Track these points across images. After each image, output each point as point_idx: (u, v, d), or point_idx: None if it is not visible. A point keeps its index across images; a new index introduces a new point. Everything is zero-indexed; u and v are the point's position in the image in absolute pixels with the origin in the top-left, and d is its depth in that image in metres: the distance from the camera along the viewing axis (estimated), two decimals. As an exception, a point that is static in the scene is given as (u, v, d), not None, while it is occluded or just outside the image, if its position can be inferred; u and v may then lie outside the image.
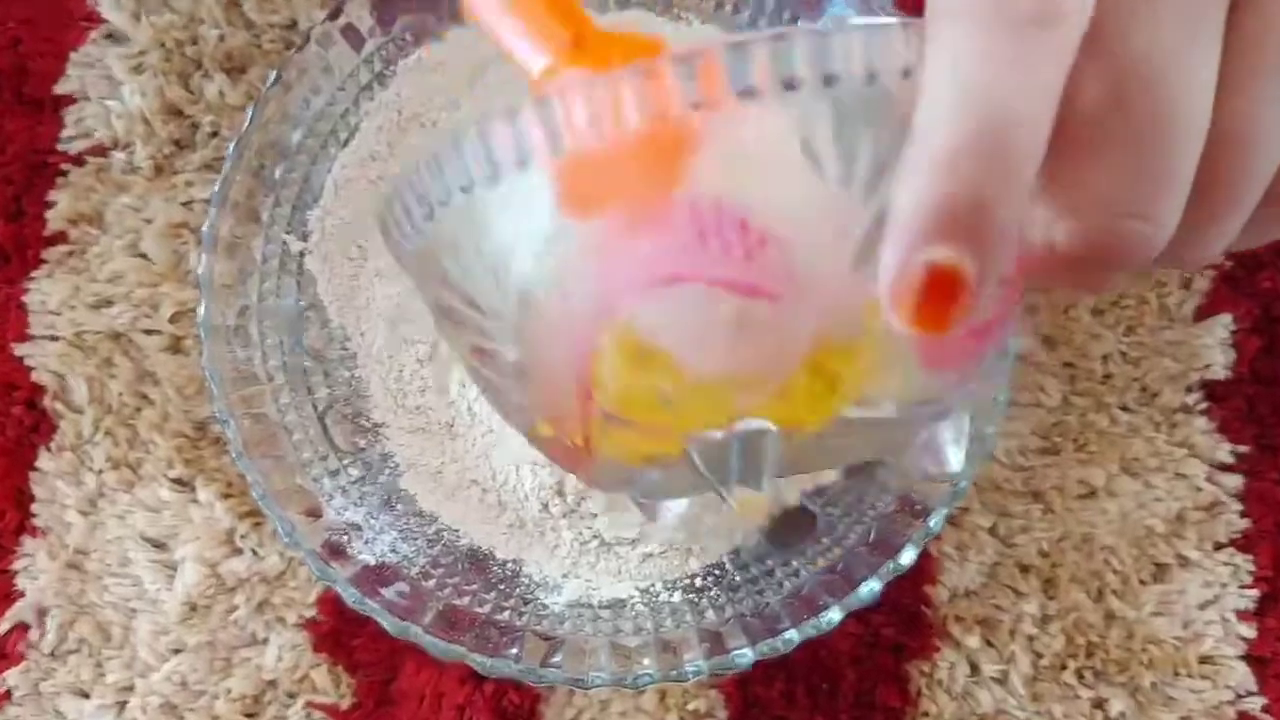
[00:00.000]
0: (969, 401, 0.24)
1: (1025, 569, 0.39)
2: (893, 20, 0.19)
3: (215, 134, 0.42)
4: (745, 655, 0.33)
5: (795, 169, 0.18)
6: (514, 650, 0.33)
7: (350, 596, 0.33)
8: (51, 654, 0.38)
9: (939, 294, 0.17)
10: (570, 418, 0.22)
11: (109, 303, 0.41)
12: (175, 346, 0.41)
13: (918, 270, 0.17)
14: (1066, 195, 0.18)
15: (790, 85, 0.18)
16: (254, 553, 0.39)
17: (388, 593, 0.34)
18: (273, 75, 0.36)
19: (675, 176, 0.19)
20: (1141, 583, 0.39)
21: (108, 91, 0.42)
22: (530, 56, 0.25)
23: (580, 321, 0.20)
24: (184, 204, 0.41)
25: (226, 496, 0.39)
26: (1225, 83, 0.18)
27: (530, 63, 0.25)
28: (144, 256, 0.41)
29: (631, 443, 0.22)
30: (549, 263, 0.20)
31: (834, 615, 0.33)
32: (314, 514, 0.35)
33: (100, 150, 0.42)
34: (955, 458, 0.25)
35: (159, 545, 0.39)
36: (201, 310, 0.35)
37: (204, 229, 0.36)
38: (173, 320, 0.41)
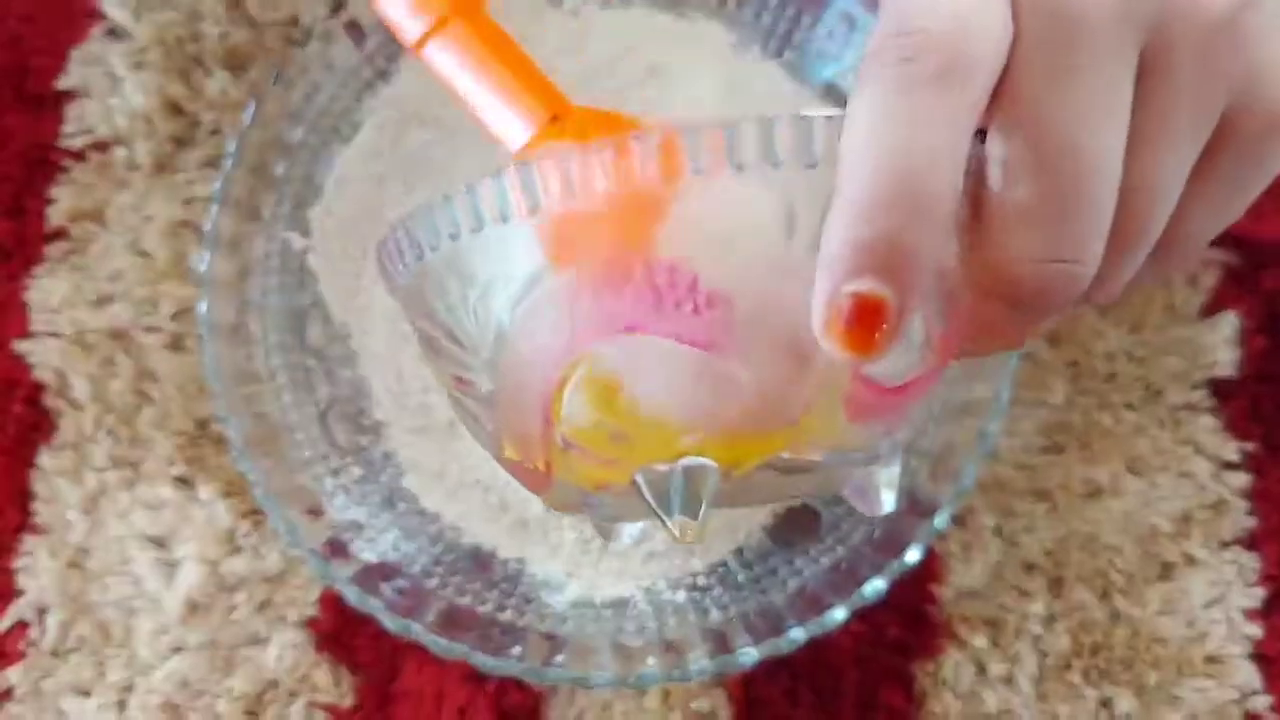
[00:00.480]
0: (897, 449, 0.26)
1: (1030, 568, 0.39)
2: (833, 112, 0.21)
3: (216, 131, 0.42)
4: (749, 654, 0.32)
5: (748, 237, 0.21)
6: (516, 649, 0.33)
7: (352, 595, 0.33)
8: (52, 652, 0.38)
9: (865, 321, 0.20)
10: (533, 444, 0.24)
11: (110, 300, 0.41)
12: (176, 344, 0.40)
13: (845, 301, 0.20)
14: (1002, 247, 0.20)
15: (743, 167, 0.21)
16: (255, 552, 0.39)
17: (389, 592, 0.34)
18: (274, 72, 0.36)
19: (642, 240, 0.21)
20: (1147, 582, 0.39)
21: (109, 88, 0.42)
22: (511, 133, 0.28)
23: (547, 358, 0.22)
24: (185, 201, 0.41)
25: (228, 495, 0.39)
26: (1134, 142, 0.20)
27: (512, 138, 0.28)
28: (145, 254, 0.41)
29: (586, 470, 0.24)
30: (524, 305, 0.22)
31: (839, 614, 0.33)
32: (315, 513, 0.35)
33: (101, 147, 0.42)
34: (887, 500, 0.27)
35: (160, 544, 0.39)
36: (202, 308, 0.35)
37: (205, 226, 0.36)
38: (174, 318, 0.41)
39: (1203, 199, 0.23)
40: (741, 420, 0.23)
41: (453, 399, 0.28)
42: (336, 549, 0.34)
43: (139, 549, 0.39)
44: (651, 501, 0.23)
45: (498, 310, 0.23)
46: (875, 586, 0.33)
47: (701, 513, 0.23)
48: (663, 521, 0.23)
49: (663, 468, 0.23)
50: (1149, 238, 0.22)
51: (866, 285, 0.19)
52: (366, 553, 0.35)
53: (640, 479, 0.23)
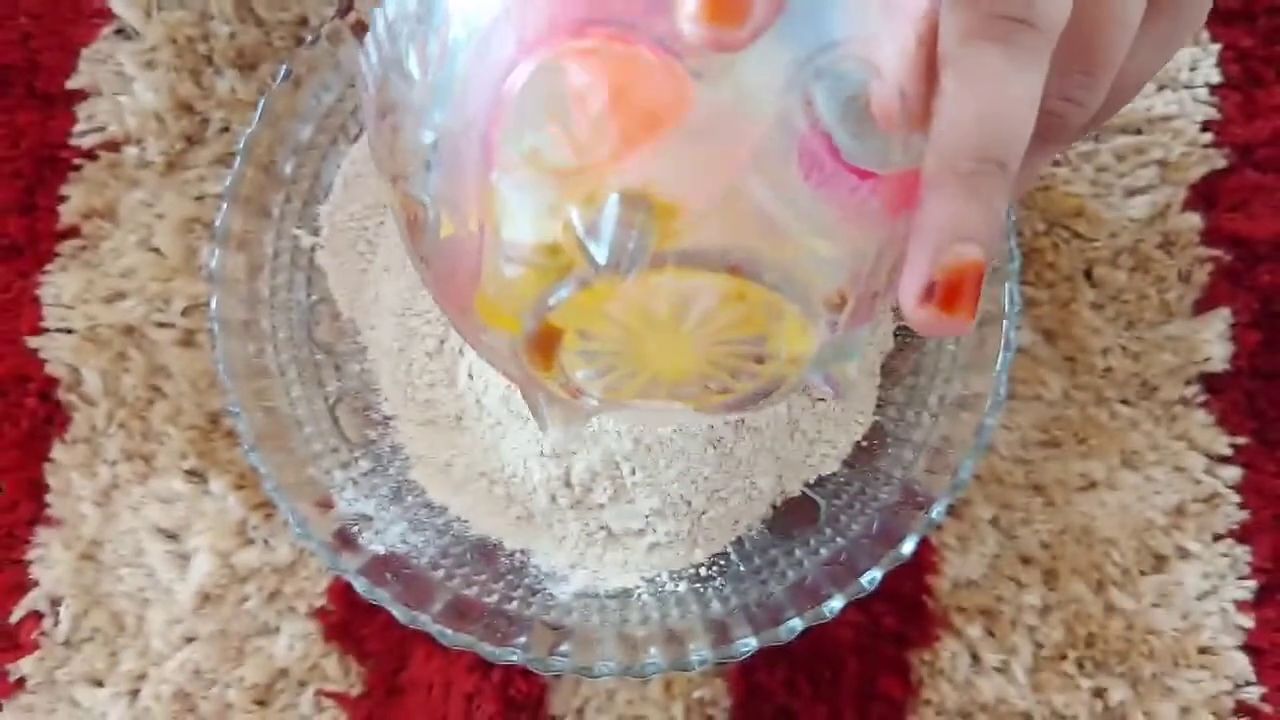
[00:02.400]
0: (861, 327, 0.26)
1: (1026, 560, 0.40)
2: None
3: (226, 129, 0.42)
4: (749, 644, 0.33)
5: None
6: (522, 639, 0.34)
7: (361, 586, 0.34)
8: (65, 643, 0.39)
9: (962, 288, 0.20)
10: (469, 200, 0.22)
11: (122, 296, 0.41)
12: (187, 340, 0.41)
13: (944, 274, 0.20)
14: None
15: None
16: (265, 543, 0.39)
17: (397, 583, 0.34)
18: (282, 71, 0.37)
19: None
20: (1141, 574, 0.40)
21: (120, 87, 0.42)
22: None
23: (497, 70, 0.21)
24: (196, 199, 0.42)
25: (239, 488, 0.40)
26: None
27: None
28: (156, 251, 0.41)
29: (523, 222, 0.22)
30: (477, 21, 0.21)
31: (836, 604, 0.33)
32: (325, 505, 0.35)
33: (113, 145, 0.42)
34: (851, 381, 0.27)
35: (172, 536, 0.40)
36: (213, 304, 0.35)
37: (216, 224, 0.36)
38: (185, 314, 0.41)
39: (1149, 38, 0.24)
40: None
41: (403, 225, 0.26)
42: (346, 541, 0.35)
43: (151, 541, 0.39)
44: (582, 238, 0.21)
45: (455, 31, 0.22)
46: (872, 576, 0.33)
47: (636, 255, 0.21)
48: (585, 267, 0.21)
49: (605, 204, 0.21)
50: (1114, 70, 0.23)
51: (968, 254, 0.20)
52: (375, 544, 0.35)
53: (575, 216, 0.21)
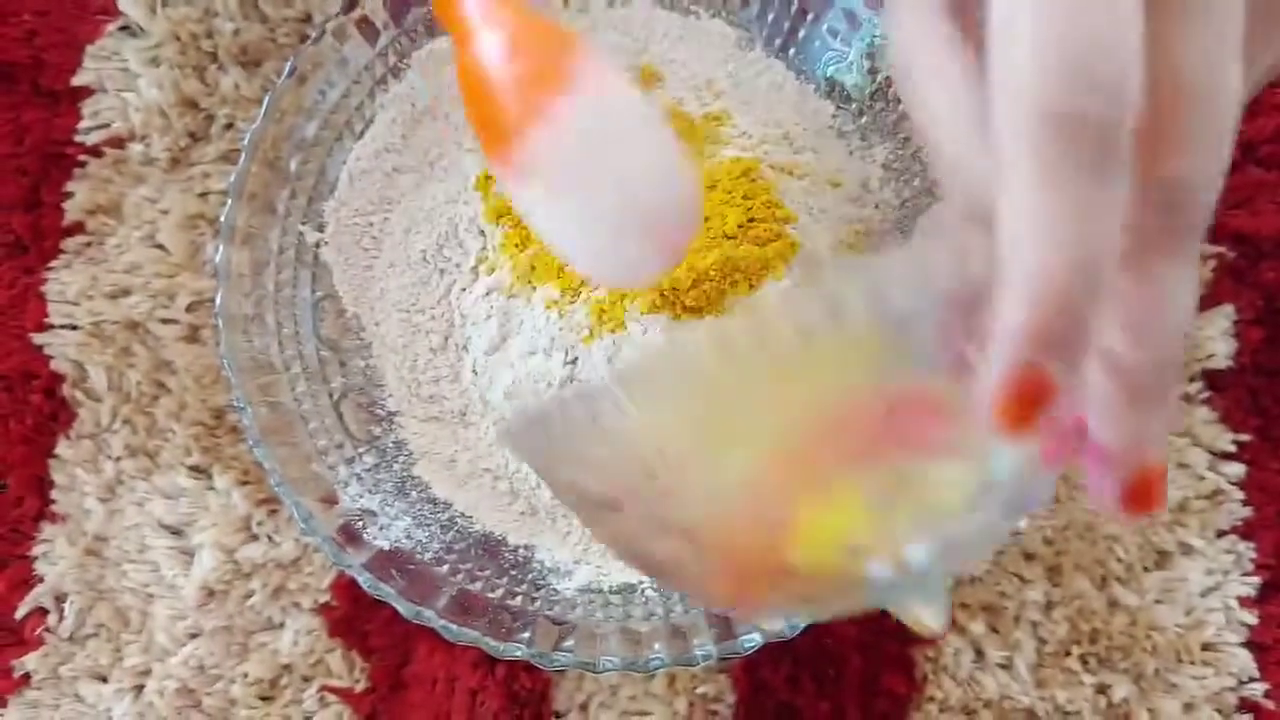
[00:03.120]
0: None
1: (1030, 556, 0.40)
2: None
3: (230, 126, 0.42)
4: (753, 639, 0.33)
5: None
6: (526, 635, 0.34)
7: (365, 581, 0.34)
8: (70, 638, 0.39)
9: (1031, 400, 0.19)
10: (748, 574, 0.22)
11: (126, 292, 0.41)
12: (192, 336, 0.41)
13: (1017, 377, 0.19)
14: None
15: None
16: (270, 539, 0.39)
17: (402, 578, 0.34)
18: (287, 68, 0.37)
19: None
20: (1145, 570, 0.40)
21: (124, 84, 0.42)
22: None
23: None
24: (200, 195, 0.42)
25: (243, 484, 0.40)
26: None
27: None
28: (161, 247, 0.41)
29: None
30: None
31: (841, 600, 0.33)
32: (329, 501, 0.35)
33: (117, 142, 0.42)
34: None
35: (176, 532, 0.40)
36: (218, 300, 0.35)
37: (221, 220, 0.36)
38: (189, 310, 0.41)
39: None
40: None
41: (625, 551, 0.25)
42: (350, 536, 0.35)
43: (156, 536, 0.39)
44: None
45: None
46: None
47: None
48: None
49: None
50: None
51: (1040, 360, 0.19)
52: (379, 540, 0.35)
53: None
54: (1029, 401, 0.19)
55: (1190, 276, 0.20)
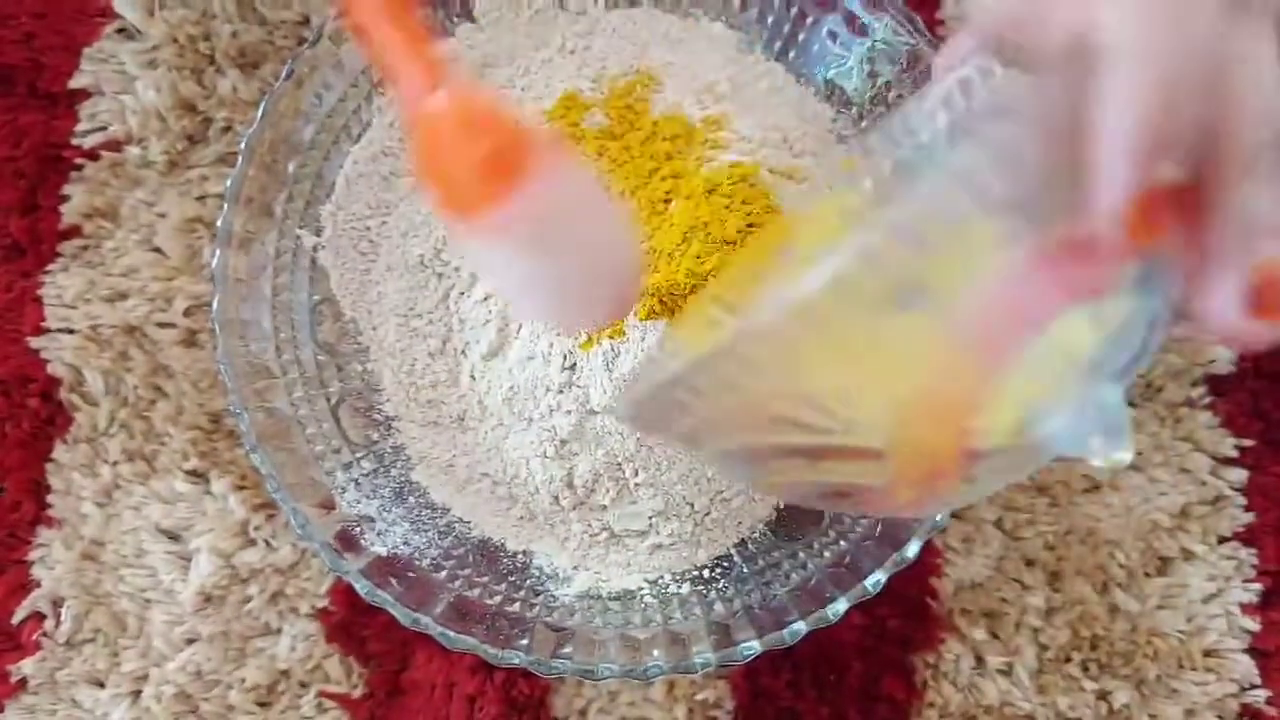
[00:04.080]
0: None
1: (1030, 562, 0.40)
2: None
3: (228, 129, 0.42)
4: (752, 647, 0.33)
5: None
6: (524, 641, 0.34)
7: (362, 588, 0.33)
8: (67, 643, 0.39)
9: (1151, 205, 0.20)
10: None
11: (123, 296, 0.41)
12: (189, 340, 0.41)
13: (1135, 183, 0.20)
14: None
15: None
16: (267, 544, 0.39)
17: (399, 584, 0.34)
18: (284, 71, 0.36)
19: None
20: (1146, 576, 0.40)
21: (122, 87, 0.42)
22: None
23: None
24: (198, 199, 0.42)
25: (240, 489, 0.40)
26: None
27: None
28: (158, 251, 0.41)
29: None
30: None
31: (840, 606, 0.33)
32: (327, 506, 0.35)
33: (114, 145, 0.42)
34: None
35: (174, 536, 0.39)
36: (215, 305, 0.35)
37: (218, 224, 0.36)
38: (187, 314, 0.41)
39: None
40: None
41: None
42: (348, 542, 0.34)
43: (153, 541, 0.39)
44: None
45: None
46: (876, 579, 0.33)
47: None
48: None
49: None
50: None
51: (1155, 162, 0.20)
52: (377, 546, 0.35)
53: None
54: (1153, 206, 0.20)
55: None
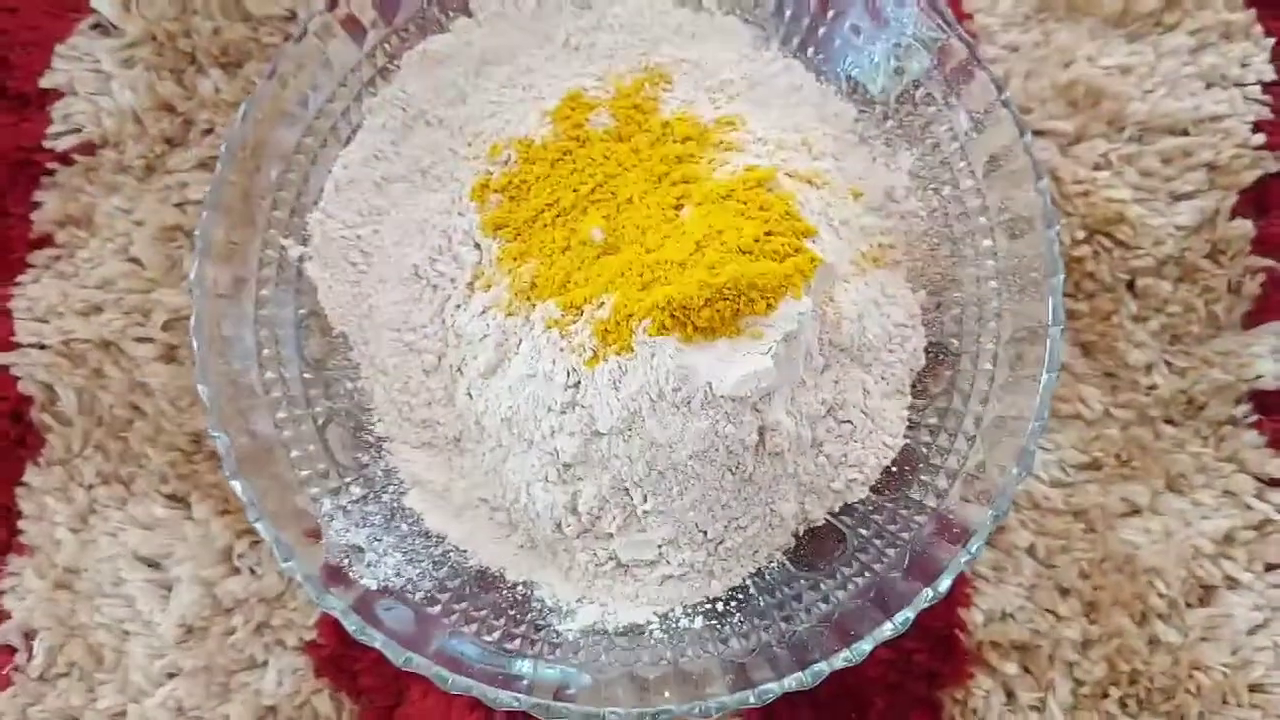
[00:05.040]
0: None
1: (1065, 591, 0.37)
2: None
3: (210, 131, 0.40)
4: (771, 690, 0.31)
5: None
6: (524, 683, 0.31)
7: (351, 625, 0.31)
8: (40, 678, 0.37)
9: None
10: None
11: (99, 309, 0.39)
12: (169, 355, 0.39)
13: None
14: None
15: None
16: (252, 572, 0.37)
17: (391, 620, 0.32)
18: (267, 69, 0.35)
19: None
20: (1188, 606, 0.38)
21: (97, 86, 0.40)
22: None
23: None
24: (177, 205, 0.40)
25: (223, 513, 0.38)
26: None
27: None
28: (135, 261, 0.39)
29: None
30: None
31: (864, 647, 0.31)
32: (313, 535, 0.33)
33: (89, 148, 0.40)
34: None
35: (153, 564, 0.37)
36: (194, 319, 0.33)
37: (196, 233, 0.34)
38: (166, 328, 0.39)
39: None
40: None
41: None
42: (335, 574, 0.32)
43: (131, 569, 0.37)
44: None
45: None
46: (904, 617, 0.31)
47: None
48: None
49: None
50: None
51: None
52: (366, 578, 0.33)
53: None
54: None
55: None
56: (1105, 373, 0.39)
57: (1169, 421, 0.39)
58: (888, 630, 0.31)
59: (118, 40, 0.40)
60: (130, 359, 0.39)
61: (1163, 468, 0.38)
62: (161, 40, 0.40)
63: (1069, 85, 0.41)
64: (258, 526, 0.32)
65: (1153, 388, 0.39)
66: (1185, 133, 0.41)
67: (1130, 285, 0.40)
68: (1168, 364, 0.39)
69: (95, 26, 0.41)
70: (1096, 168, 0.40)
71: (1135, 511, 0.38)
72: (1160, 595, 0.37)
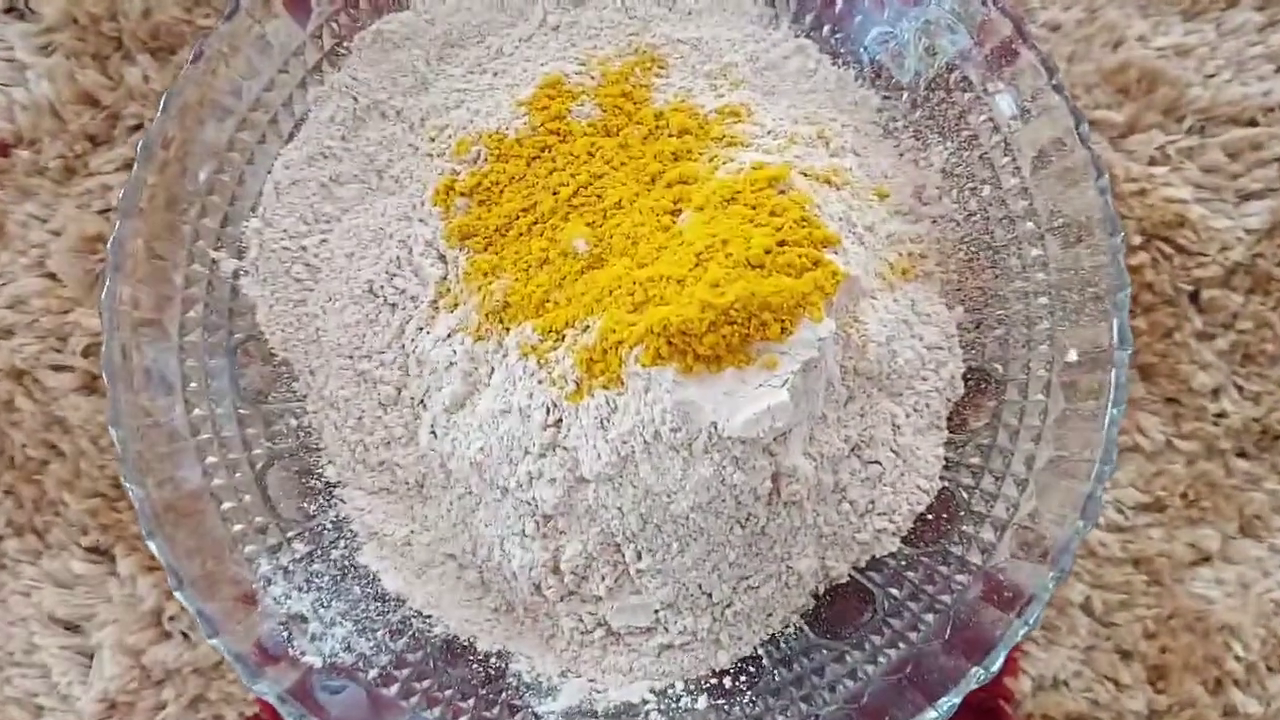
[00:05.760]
0: None
1: (1126, 655, 0.35)
2: None
3: (139, 127, 0.38)
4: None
5: None
6: (497, 780, 0.27)
7: (289, 714, 0.28)
8: (-58, 762, 0.34)
9: None
10: None
11: (9, 333, 0.37)
12: (90, 386, 0.36)
13: None
14: None
15: None
16: (185, 637, 0.35)
17: (339, 704, 0.29)
18: (192, 52, 0.31)
19: None
20: (1269, 670, 0.35)
21: (9, 76, 0.38)
22: None
23: None
24: (100, 212, 0.37)
25: (151, 569, 0.35)
26: None
27: None
28: (52, 277, 0.37)
29: None
30: None
31: (903, 736, 0.27)
32: (247, 603, 0.30)
33: (0, 148, 0.37)
34: None
35: (72, 628, 0.35)
36: (104, 350, 0.30)
37: (108, 245, 0.30)
38: (86, 354, 0.37)
39: None
40: None
41: None
42: (271, 651, 0.29)
43: (46, 634, 0.35)
44: None
45: None
46: (949, 703, 0.27)
47: None
48: None
49: None
50: None
51: None
52: (310, 654, 0.29)
53: None
54: None
55: None
56: (1166, 398, 0.36)
57: (1241, 454, 0.36)
58: (930, 717, 0.27)
59: (34, 24, 0.38)
60: (45, 390, 0.36)
61: (1236, 508, 0.36)
62: (83, 24, 0.37)
63: (1119, 69, 0.38)
64: (178, 596, 0.29)
65: (1222, 415, 0.36)
66: (1253, 123, 0.38)
67: (1194, 298, 0.37)
68: (1238, 388, 0.36)
69: (9, 10, 0.38)
70: (1152, 163, 0.37)
71: (1205, 559, 0.35)
72: (1237, 658, 0.35)
